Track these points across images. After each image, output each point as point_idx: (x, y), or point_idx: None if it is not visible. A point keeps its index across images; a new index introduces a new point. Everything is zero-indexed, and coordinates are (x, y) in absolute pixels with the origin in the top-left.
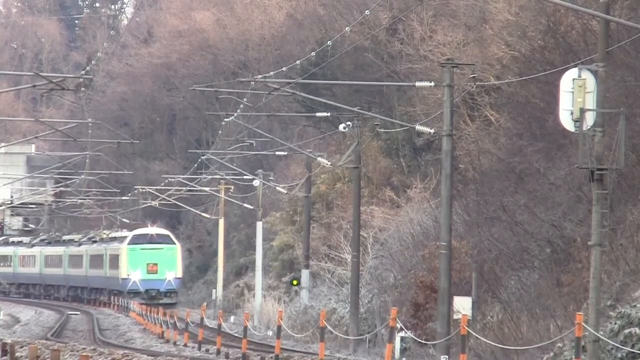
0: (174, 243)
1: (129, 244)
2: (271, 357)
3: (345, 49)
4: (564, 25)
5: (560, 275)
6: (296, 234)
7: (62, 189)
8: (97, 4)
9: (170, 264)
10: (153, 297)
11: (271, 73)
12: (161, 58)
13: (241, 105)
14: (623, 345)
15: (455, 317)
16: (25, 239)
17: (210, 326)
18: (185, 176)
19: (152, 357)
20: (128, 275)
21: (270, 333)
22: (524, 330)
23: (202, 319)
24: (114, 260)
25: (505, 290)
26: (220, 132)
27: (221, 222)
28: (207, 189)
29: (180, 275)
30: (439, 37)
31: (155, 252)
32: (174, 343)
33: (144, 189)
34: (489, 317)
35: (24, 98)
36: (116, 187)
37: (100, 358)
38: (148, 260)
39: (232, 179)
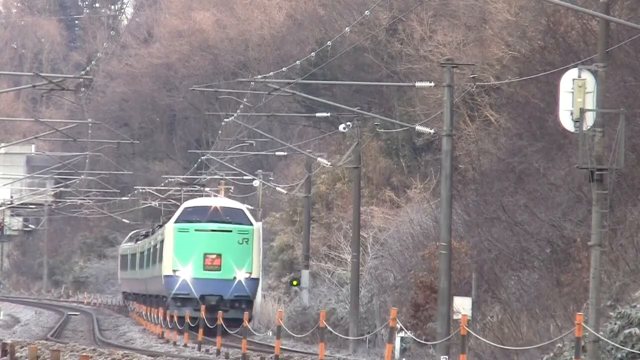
0: (251, 223)
1: (177, 221)
2: (271, 358)
3: (345, 49)
4: (564, 26)
5: (560, 275)
6: (296, 234)
7: (62, 189)
8: (97, 4)
9: (241, 255)
10: (213, 307)
11: (271, 73)
12: (161, 58)
13: (241, 106)
14: (623, 346)
15: (455, 317)
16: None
17: (210, 326)
18: (185, 176)
19: (152, 357)
20: (174, 271)
21: (270, 333)
22: (524, 330)
23: (202, 319)
24: (156, 252)
25: (505, 290)
26: (220, 132)
27: None
28: (207, 189)
29: (257, 275)
30: (438, 37)
31: (218, 237)
32: (174, 343)
33: (144, 189)
34: (489, 317)
35: (23, 98)
36: (116, 188)
37: (100, 358)
38: (206, 248)
39: (232, 179)
